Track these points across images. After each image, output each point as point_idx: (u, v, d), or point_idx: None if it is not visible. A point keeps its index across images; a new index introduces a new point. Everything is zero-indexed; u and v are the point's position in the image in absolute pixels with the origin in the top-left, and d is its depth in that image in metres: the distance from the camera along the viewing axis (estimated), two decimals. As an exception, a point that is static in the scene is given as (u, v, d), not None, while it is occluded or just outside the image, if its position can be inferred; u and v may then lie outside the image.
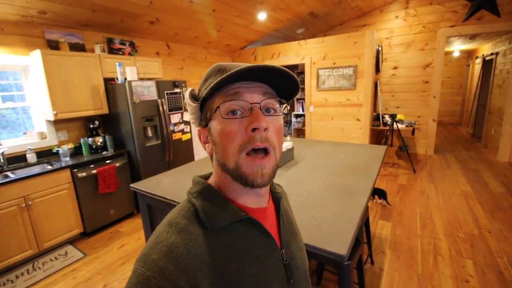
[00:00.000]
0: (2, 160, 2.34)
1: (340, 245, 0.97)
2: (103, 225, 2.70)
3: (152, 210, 1.72)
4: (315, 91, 4.73)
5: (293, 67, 6.70)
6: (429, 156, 4.96)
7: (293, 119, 6.17)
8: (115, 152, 2.82)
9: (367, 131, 4.39)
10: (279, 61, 4.99)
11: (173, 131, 3.16)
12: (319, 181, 1.61)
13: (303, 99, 5.96)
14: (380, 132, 5.36)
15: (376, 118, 4.89)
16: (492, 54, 5.29)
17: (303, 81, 5.11)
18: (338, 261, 0.97)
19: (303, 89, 6.01)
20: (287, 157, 2.02)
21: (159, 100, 2.97)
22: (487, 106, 5.47)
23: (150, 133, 2.92)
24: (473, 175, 3.82)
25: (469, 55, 7.64)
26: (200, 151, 4.47)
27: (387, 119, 4.58)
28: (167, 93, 3.06)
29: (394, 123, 4.31)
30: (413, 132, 4.64)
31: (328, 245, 0.97)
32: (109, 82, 2.91)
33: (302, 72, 5.99)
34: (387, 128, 4.45)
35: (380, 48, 4.60)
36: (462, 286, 1.78)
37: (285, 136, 6.51)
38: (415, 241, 2.32)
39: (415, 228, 2.53)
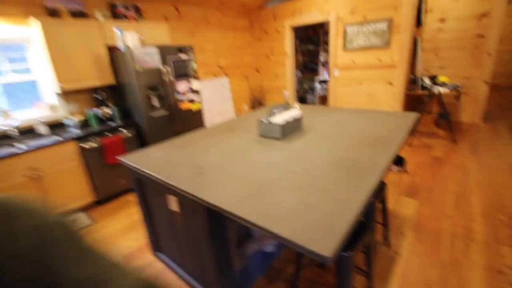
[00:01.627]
0: (15, 133, 2.41)
1: (326, 243, 0.76)
2: (115, 193, 2.76)
3: (144, 185, 1.64)
4: (341, 52, 4.20)
5: (318, 26, 6.04)
6: (476, 125, 4.29)
7: (317, 85, 5.69)
8: (123, 123, 2.78)
9: (401, 97, 3.86)
10: (302, 19, 4.46)
11: (180, 101, 3.02)
12: (323, 156, 1.37)
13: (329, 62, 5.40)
14: (418, 98, 4.73)
15: (413, 81, 4.27)
16: None
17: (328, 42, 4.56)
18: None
19: (327, 51, 5.44)
20: (293, 127, 1.77)
21: (162, 68, 2.80)
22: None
23: (156, 103, 2.81)
24: (530, 147, 3.22)
25: (542, -1, 6.18)
26: (213, 120, 4.34)
27: (427, 82, 3.96)
28: (173, 61, 2.87)
29: (435, 86, 3.71)
30: (458, 97, 3.99)
31: (311, 242, 0.77)
32: (112, 50, 2.79)
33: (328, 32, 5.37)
34: (426, 93, 3.87)
35: (423, -4, 3.84)
36: (496, 279, 1.50)
37: (312, 95, 6.02)
38: (444, 223, 2.02)
39: (446, 208, 2.20)
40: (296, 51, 6.13)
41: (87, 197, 2.57)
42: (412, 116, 1.99)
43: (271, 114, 1.75)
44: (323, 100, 5.76)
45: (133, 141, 2.83)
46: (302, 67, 6.39)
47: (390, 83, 3.89)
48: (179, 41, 3.88)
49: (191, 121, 3.18)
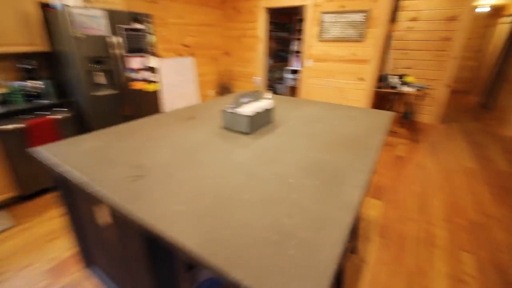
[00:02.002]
0: None
1: (304, 295, 0.53)
2: (44, 188, 2.28)
3: (69, 184, 1.27)
4: (315, 42, 4.01)
5: (295, 10, 5.79)
6: (434, 126, 4.49)
7: (288, 75, 5.50)
8: (59, 101, 2.27)
9: (370, 94, 3.83)
10: (277, 1, 4.15)
11: (133, 79, 2.58)
12: (298, 158, 1.15)
13: (301, 52, 5.22)
14: (384, 96, 4.79)
15: (380, 79, 4.28)
16: (528, 9, 4.48)
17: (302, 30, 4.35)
18: (298, 318, 0.55)
19: (301, 39, 5.24)
20: (263, 120, 1.53)
21: (111, 37, 2.33)
22: (506, 74, 4.84)
23: (101, 80, 2.34)
24: (479, 150, 3.41)
25: (496, 13, 6.67)
26: (174, 105, 3.92)
27: (395, 80, 3.98)
28: (123, 29, 2.40)
29: (402, 85, 3.73)
30: (422, 98, 4.10)
31: (283, 292, 0.54)
32: (47, 8, 2.23)
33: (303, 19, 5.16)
34: (394, 91, 3.88)
35: (399, -8, 3.78)
36: (462, 290, 1.46)
37: (282, 85, 5.85)
38: (408, 227, 1.98)
39: (410, 211, 2.17)
40: (269, 37, 5.83)
41: (7, 191, 2.07)
42: (388, 115, 1.87)
43: (239, 103, 1.47)
44: (293, 91, 5.61)
45: (71, 125, 2.34)
46: (274, 55, 6.13)
47: (361, 79, 3.83)
48: (136, 8, 3.34)
49: (145, 104, 2.76)
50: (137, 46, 2.53)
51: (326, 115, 1.82)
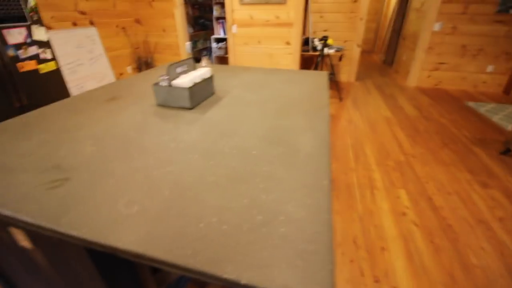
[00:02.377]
0: None
1: (315, 278, 0.46)
2: None
3: None
4: (238, 6, 3.79)
5: (209, -26, 5.33)
6: (351, 83, 4.97)
7: (214, 45, 5.17)
8: None
9: (297, 57, 3.92)
10: (188, -41, 3.67)
11: (17, 59, 1.96)
12: (254, 128, 1.04)
13: (224, 18, 4.92)
14: (309, 59, 5.00)
15: (304, 42, 4.41)
16: (413, -27, 5.14)
17: (222, -9, 4.04)
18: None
19: (223, 5, 4.92)
20: (204, 91, 1.34)
21: (-36, -2, 1.66)
22: (401, 32, 5.62)
23: (-38, 61, 1.69)
24: (391, 100, 3.96)
25: (388, -24, 7.50)
26: (84, 87, 3.28)
27: (317, 43, 4.15)
28: (-18, -14, 1.73)
29: (325, 48, 3.92)
30: (340, 58, 4.42)
31: (292, 284, 0.45)
32: None
33: (221, -19, 4.79)
34: (316, 54, 4.06)
35: (312, -49, 3.79)
36: (401, 221, 1.70)
37: (206, 56, 5.59)
38: (351, 176, 2.18)
39: (349, 161, 2.39)
40: (184, 1, 5.26)
41: None
42: (324, 74, 1.91)
43: (173, 74, 1.24)
44: (222, 61, 5.34)
45: None
46: (193, 22, 5.62)
47: (288, 43, 3.85)
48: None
49: (44, 89, 2.16)
50: (12, 13, 1.88)
51: (267, 80, 1.73)
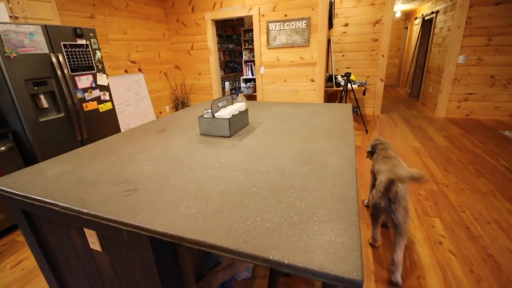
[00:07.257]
0: None
1: (347, 261, 0.55)
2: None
3: (35, 218, 1.09)
4: (265, 50, 4.20)
5: (239, 22, 6.01)
6: (376, 116, 5.02)
7: (242, 85, 5.62)
8: (-8, 132, 1.94)
9: (322, 93, 4.13)
10: (222, 13, 4.25)
11: (84, 100, 2.35)
12: (285, 151, 1.18)
13: (252, 61, 5.41)
14: (333, 94, 5.21)
15: (328, 79, 4.66)
16: (432, 13, 5.39)
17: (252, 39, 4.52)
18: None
19: (252, 49, 5.43)
20: (240, 122, 1.53)
21: (52, 55, 2.10)
22: (425, 66, 5.71)
23: (45, 103, 2.08)
24: (419, 132, 3.92)
25: (407, 17, 7.87)
26: (129, 124, 3.69)
27: (340, 79, 4.37)
28: (65, 45, 2.19)
29: (348, 83, 4.11)
30: (364, 93, 4.56)
31: (326, 264, 0.54)
32: (-36, 28, 1.91)
33: (250, 30, 5.37)
34: (340, 89, 4.26)
35: (333, 0, 4.21)
36: (438, 249, 1.64)
37: (235, 94, 5.93)
38: (381, 205, 2.16)
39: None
40: (217, 49, 5.91)
41: None
42: (348, 106, 2.05)
43: (215, 108, 1.45)
44: (250, 98, 5.73)
45: (13, 157, 2.01)
46: (224, 66, 6.21)
47: (312, 80, 4.11)
48: (72, 24, 3.07)
49: (100, 125, 2.52)
50: (83, 63, 2.33)
51: (295, 112, 1.91)
